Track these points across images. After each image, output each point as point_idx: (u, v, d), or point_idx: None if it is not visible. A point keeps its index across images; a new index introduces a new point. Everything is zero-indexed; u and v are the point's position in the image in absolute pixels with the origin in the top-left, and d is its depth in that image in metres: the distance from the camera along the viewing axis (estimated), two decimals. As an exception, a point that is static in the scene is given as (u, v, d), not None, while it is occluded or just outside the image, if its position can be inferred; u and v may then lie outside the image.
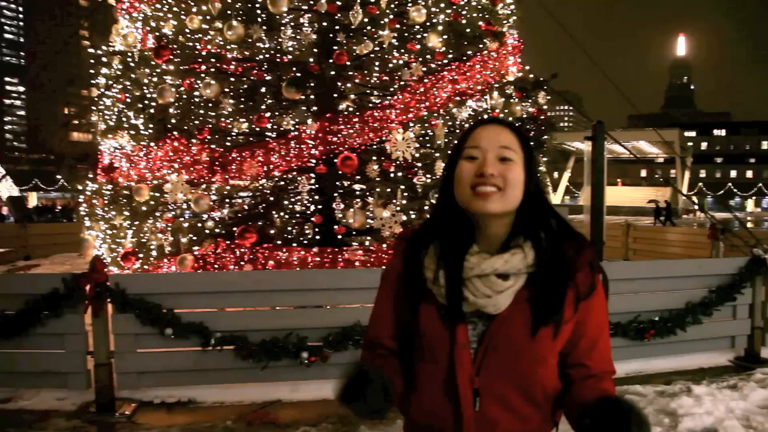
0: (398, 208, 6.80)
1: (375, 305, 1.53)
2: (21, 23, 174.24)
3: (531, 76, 7.91)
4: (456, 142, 1.41)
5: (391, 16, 7.07)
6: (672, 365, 5.39)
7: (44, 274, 6.26)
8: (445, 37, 7.25)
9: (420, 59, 7.17)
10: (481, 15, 7.47)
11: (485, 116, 7.32)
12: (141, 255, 7.41)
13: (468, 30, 7.40)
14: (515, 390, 1.32)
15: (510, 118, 7.50)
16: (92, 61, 8.52)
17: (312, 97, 7.54)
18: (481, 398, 1.31)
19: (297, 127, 7.26)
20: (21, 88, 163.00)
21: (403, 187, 7.00)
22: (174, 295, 4.68)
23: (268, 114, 7.36)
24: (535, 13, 9.49)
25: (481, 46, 7.41)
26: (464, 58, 7.35)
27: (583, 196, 7.36)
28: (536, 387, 1.33)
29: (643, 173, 73.88)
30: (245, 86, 7.84)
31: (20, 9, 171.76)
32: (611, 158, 45.38)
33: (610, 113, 77.18)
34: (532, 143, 1.40)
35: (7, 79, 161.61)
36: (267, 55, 7.49)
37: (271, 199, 7.78)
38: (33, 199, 48.19)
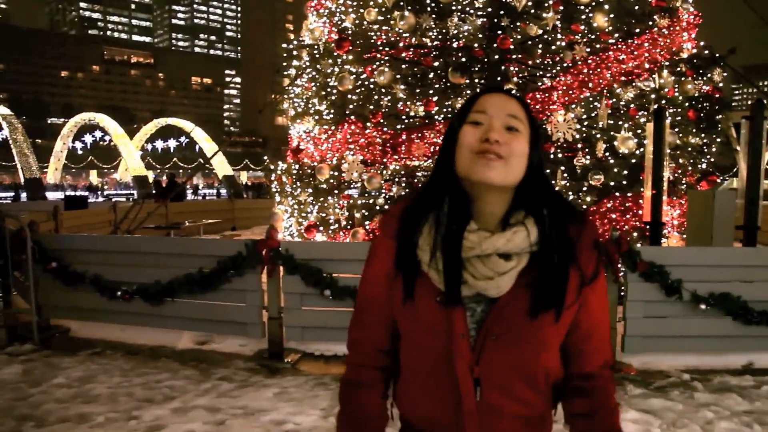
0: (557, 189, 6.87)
1: (362, 293, 1.43)
2: (239, 21, 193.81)
3: (706, 52, 7.45)
4: (461, 105, 1.30)
5: (555, -2, 7.10)
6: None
7: (232, 240, 7.30)
8: (611, 16, 7.12)
9: (585, 40, 7.13)
10: (652, -10, 7.21)
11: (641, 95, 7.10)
12: (321, 228, 8.26)
13: (636, 7, 7.19)
14: (518, 377, 1.25)
15: (681, 98, 7.18)
16: (285, 54, 9.59)
17: (477, 81, 7.80)
18: (482, 387, 1.24)
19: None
20: (237, 79, 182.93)
21: (563, 168, 7.05)
22: (332, 261, 5.29)
23: (435, 98, 7.76)
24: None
25: (650, 23, 7.16)
26: (632, 36, 7.16)
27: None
28: (540, 373, 1.27)
29: None
30: (416, 72, 8.32)
31: (239, 9, 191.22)
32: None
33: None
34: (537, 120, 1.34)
35: (227, 71, 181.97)
36: (436, 42, 7.87)
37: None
38: (243, 178, 53.91)
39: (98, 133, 69.00)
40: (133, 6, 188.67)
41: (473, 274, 1.21)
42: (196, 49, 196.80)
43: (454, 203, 1.26)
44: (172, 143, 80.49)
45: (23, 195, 38.66)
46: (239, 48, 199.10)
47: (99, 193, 50.79)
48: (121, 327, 5.96)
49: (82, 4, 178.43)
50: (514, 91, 7.22)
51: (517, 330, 1.23)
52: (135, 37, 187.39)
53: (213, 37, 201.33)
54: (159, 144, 79.23)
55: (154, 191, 17.20)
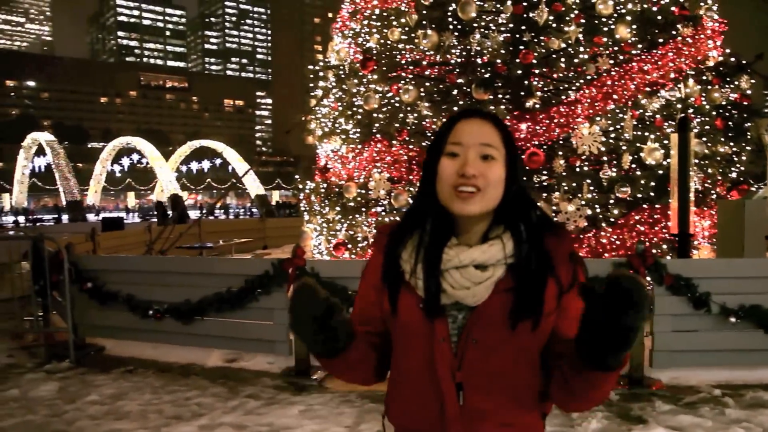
0: (583, 202, 6.84)
1: (354, 304, 1.53)
2: (269, 44, 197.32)
3: (732, 59, 7.36)
4: (437, 132, 1.36)
5: (577, 11, 7.10)
6: None
7: (259, 259, 7.38)
8: (634, 27, 7.09)
9: (608, 51, 7.11)
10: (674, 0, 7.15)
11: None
12: (350, 245, 8.33)
13: (659, 17, 7.15)
14: (499, 382, 1.29)
15: (708, 107, 7.10)
16: (312, 75, 9.78)
17: (501, 96, 7.81)
18: (465, 392, 1.28)
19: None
20: (268, 100, 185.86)
21: (588, 181, 7.01)
22: (358, 278, 5.28)
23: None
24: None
25: (674, 32, 7.11)
26: (655, 46, 7.11)
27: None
28: (521, 379, 1.30)
29: None
30: (440, 89, 8.38)
31: (269, 32, 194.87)
32: None
33: None
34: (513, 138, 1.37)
35: (258, 93, 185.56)
36: (459, 59, 7.92)
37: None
38: (275, 197, 54.78)
39: (135, 156, 70.41)
40: (167, 33, 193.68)
41: (451, 284, 1.28)
42: (228, 72, 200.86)
43: (436, 224, 1.34)
44: (206, 164, 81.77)
45: (65, 217, 39.73)
46: (269, 70, 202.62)
47: (134, 214, 52.14)
48: (153, 345, 6.09)
49: (120, 33, 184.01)
50: (533, 103, 7.27)
51: (497, 336, 1.27)
52: (170, 63, 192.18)
53: (244, 60, 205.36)
54: (194, 165, 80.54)
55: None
